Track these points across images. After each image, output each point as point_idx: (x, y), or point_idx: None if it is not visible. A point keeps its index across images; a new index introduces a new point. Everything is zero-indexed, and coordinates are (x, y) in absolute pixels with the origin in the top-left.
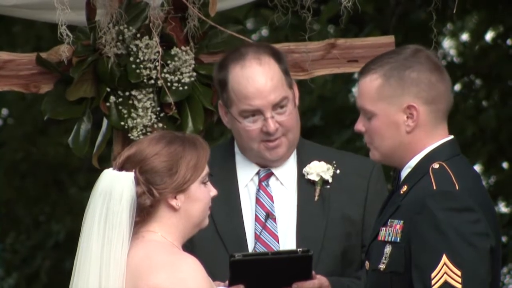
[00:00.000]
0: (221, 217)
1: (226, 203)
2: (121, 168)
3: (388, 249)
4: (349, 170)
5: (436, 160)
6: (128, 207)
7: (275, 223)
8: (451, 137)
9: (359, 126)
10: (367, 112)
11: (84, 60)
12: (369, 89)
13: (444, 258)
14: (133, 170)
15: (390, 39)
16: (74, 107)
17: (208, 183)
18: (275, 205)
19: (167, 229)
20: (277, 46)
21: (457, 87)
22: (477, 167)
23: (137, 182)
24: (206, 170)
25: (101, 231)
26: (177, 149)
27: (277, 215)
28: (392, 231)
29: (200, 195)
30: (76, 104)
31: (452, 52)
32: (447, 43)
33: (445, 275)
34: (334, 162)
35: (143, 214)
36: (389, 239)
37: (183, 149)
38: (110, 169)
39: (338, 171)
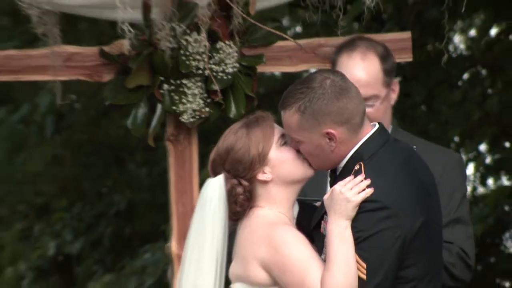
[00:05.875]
0: None
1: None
2: (214, 173)
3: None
4: (429, 157)
5: (361, 159)
6: (218, 209)
7: None
8: (374, 129)
9: (293, 145)
10: (295, 139)
11: (141, 53)
12: (290, 122)
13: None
14: (222, 171)
15: (407, 35)
16: (132, 94)
17: (288, 141)
18: None
19: (271, 201)
20: (309, 41)
21: (466, 76)
22: (483, 146)
23: (227, 180)
24: (277, 133)
25: (195, 235)
26: (242, 134)
27: None
28: (326, 227)
29: (282, 157)
30: (134, 91)
31: (462, 46)
32: (457, 38)
33: None
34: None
35: (241, 201)
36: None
37: (247, 130)
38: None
39: None
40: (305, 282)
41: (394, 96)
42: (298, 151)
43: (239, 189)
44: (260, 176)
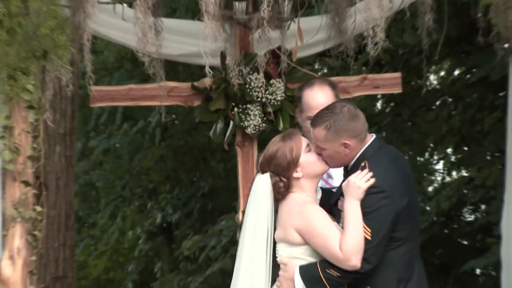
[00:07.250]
0: None
1: None
2: (262, 171)
3: (343, 216)
4: None
5: (365, 159)
6: (267, 198)
7: None
8: (372, 138)
9: (317, 151)
10: (320, 147)
11: (219, 87)
12: (319, 136)
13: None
14: (268, 170)
15: (398, 75)
16: (213, 114)
17: (312, 149)
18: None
19: (301, 188)
20: (333, 78)
21: (437, 102)
22: (449, 150)
23: (271, 177)
24: (304, 144)
25: (251, 218)
26: (281, 146)
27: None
28: (342, 205)
29: (308, 160)
30: (215, 112)
31: (435, 82)
32: (432, 77)
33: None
34: None
35: (282, 191)
36: (342, 209)
37: (284, 143)
38: (259, 174)
39: None
40: (327, 244)
41: None
42: (318, 154)
43: (281, 184)
44: (294, 174)
